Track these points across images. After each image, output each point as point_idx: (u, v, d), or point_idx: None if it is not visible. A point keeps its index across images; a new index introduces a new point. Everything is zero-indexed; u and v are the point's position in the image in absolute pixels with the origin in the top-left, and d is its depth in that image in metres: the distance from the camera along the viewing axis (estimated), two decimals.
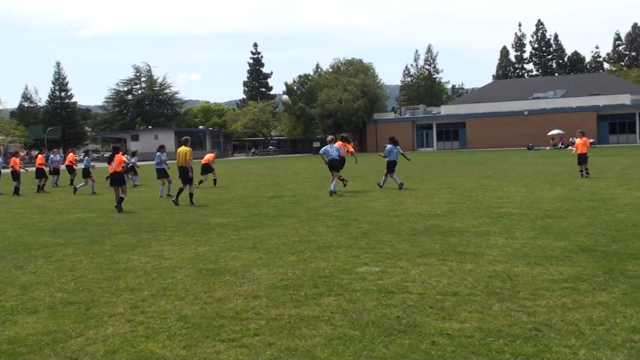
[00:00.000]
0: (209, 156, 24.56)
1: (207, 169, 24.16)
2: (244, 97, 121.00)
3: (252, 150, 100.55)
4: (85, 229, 12.61)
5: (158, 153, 20.87)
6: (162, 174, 20.52)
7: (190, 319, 5.86)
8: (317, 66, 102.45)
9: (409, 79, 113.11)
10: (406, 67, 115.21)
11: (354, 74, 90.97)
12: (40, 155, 26.51)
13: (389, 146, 20.28)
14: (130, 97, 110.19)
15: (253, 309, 6.14)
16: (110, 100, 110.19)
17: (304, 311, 5.99)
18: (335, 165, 18.80)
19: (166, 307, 6.31)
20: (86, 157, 25.32)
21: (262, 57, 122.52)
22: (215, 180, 24.61)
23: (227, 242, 10.21)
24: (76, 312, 6.26)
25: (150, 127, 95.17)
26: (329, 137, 19.85)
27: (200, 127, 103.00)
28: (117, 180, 16.12)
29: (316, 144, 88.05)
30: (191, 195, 16.87)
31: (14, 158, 24.99)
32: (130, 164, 24.99)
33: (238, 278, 7.49)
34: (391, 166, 20.11)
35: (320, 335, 5.27)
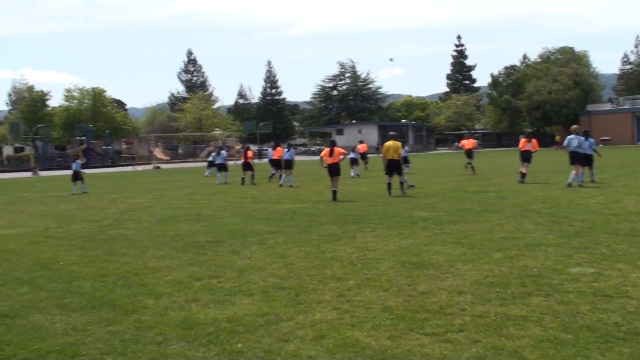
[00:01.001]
0: (471, 142, 27.46)
1: (471, 154, 27.01)
2: (447, 90, 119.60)
3: (455, 143, 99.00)
4: (294, 219, 13.27)
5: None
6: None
7: (395, 311, 5.91)
8: (524, 56, 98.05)
9: (628, 66, 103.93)
10: (625, 54, 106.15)
11: (565, 63, 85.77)
12: (279, 148, 28.34)
13: (581, 138, 19.07)
14: (335, 92, 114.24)
15: (457, 304, 6.05)
16: (316, 96, 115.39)
17: (511, 310, 5.78)
18: (577, 157, 18.56)
19: (371, 297, 6.42)
20: (222, 151, 29.51)
21: (465, 49, 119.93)
22: (472, 167, 26.56)
23: (430, 236, 10.15)
24: (287, 297, 6.60)
25: (354, 121, 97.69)
26: (574, 127, 19.78)
27: (403, 120, 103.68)
28: (334, 171, 17.37)
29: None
30: (402, 183, 17.87)
31: (248, 152, 27.39)
32: (351, 156, 27.04)
33: (442, 272, 7.42)
34: (584, 159, 18.85)
35: (529, 336, 5.04)
